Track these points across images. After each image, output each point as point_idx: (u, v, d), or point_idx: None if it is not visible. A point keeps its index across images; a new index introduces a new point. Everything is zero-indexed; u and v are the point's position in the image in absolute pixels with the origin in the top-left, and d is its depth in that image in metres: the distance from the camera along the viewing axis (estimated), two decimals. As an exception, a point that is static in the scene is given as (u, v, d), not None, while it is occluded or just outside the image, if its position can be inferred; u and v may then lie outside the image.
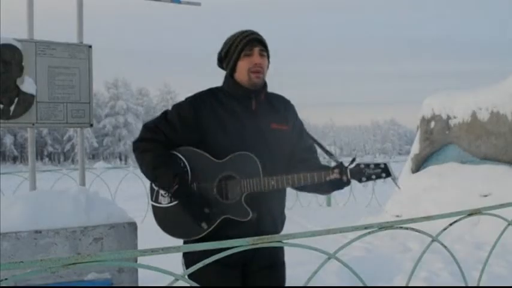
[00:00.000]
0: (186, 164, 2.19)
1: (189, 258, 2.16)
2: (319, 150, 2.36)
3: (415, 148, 8.33)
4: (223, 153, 2.14)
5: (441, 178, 7.37)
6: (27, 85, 3.02)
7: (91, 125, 3.25)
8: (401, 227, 1.99)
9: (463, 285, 2.24)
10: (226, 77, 2.28)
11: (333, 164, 2.20)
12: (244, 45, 2.19)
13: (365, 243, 5.76)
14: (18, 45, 3.01)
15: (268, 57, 2.26)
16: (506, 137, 6.93)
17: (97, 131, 58.06)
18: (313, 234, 1.73)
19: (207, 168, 2.16)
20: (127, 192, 10.54)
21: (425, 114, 8.17)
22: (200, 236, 2.14)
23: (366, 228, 1.86)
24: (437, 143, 7.98)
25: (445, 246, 2.18)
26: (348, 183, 2.10)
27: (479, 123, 7.27)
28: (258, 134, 2.20)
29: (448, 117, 7.80)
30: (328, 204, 11.96)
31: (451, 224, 2.15)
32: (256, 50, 2.20)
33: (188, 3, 3.63)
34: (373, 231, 1.88)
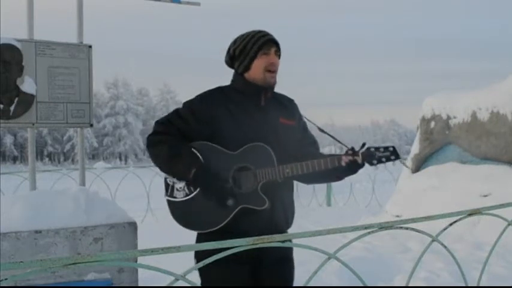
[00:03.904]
0: (200, 157, 2.22)
1: (200, 253, 2.19)
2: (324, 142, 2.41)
3: (415, 148, 8.34)
4: (236, 146, 2.20)
5: (441, 178, 7.37)
6: (27, 85, 3.02)
7: (91, 125, 3.25)
8: (401, 227, 1.99)
9: (463, 285, 2.24)
10: (235, 76, 2.33)
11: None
12: (262, 44, 2.25)
13: (365, 243, 5.76)
14: (18, 45, 3.00)
15: (279, 58, 2.33)
16: (506, 137, 6.93)
17: (97, 131, 57.99)
18: (313, 234, 1.73)
19: (222, 161, 2.20)
20: (127, 192, 10.53)
21: (425, 114, 8.17)
22: (218, 226, 2.18)
23: (366, 228, 1.87)
24: (437, 143, 7.98)
25: (445, 246, 2.18)
26: (362, 165, 2.18)
27: (479, 123, 7.27)
28: (268, 128, 2.26)
29: (448, 117, 7.80)
30: (328, 204, 11.96)
31: (451, 224, 2.15)
32: (273, 50, 2.27)
33: (188, 3, 3.63)
34: (373, 231, 1.88)
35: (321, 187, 11.50)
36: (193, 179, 2.17)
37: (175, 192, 2.26)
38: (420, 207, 6.91)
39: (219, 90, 2.33)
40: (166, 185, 2.29)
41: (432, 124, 8.02)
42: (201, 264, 1.51)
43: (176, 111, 2.32)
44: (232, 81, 2.34)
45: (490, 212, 2.29)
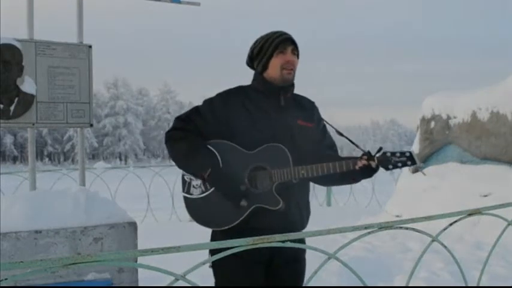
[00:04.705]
0: (217, 155, 2.24)
1: (215, 250, 2.21)
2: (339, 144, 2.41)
3: (415, 148, 8.32)
4: (253, 145, 2.22)
5: (441, 178, 7.37)
6: (27, 85, 3.02)
7: (91, 125, 3.25)
8: (401, 227, 1.99)
9: (463, 285, 2.24)
10: (255, 75, 2.36)
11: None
12: (278, 43, 2.28)
13: (365, 243, 5.76)
14: (18, 45, 3.01)
15: (298, 57, 2.35)
16: (506, 137, 6.93)
17: (97, 131, 58.00)
18: (313, 234, 1.73)
19: (238, 159, 2.22)
20: (127, 192, 10.53)
21: (425, 114, 8.17)
22: (231, 225, 2.20)
23: (366, 228, 1.86)
24: (437, 143, 7.98)
25: (445, 246, 2.18)
26: (376, 169, 2.20)
27: (479, 123, 7.27)
28: (286, 129, 2.27)
29: (448, 117, 7.80)
30: (328, 204, 11.96)
31: (451, 224, 2.15)
32: (290, 48, 2.29)
33: (188, 3, 3.63)
34: (373, 231, 1.88)
35: (321, 187, 11.49)
36: (208, 178, 2.20)
37: (192, 189, 2.29)
38: (420, 207, 6.90)
39: (239, 89, 2.36)
40: (184, 181, 2.33)
41: (432, 124, 8.02)
42: (201, 264, 1.50)
43: (196, 108, 2.35)
44: (253, 80, 2.37)
45: (490, 212, 2.29)
